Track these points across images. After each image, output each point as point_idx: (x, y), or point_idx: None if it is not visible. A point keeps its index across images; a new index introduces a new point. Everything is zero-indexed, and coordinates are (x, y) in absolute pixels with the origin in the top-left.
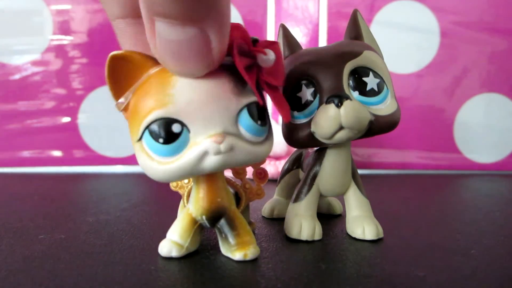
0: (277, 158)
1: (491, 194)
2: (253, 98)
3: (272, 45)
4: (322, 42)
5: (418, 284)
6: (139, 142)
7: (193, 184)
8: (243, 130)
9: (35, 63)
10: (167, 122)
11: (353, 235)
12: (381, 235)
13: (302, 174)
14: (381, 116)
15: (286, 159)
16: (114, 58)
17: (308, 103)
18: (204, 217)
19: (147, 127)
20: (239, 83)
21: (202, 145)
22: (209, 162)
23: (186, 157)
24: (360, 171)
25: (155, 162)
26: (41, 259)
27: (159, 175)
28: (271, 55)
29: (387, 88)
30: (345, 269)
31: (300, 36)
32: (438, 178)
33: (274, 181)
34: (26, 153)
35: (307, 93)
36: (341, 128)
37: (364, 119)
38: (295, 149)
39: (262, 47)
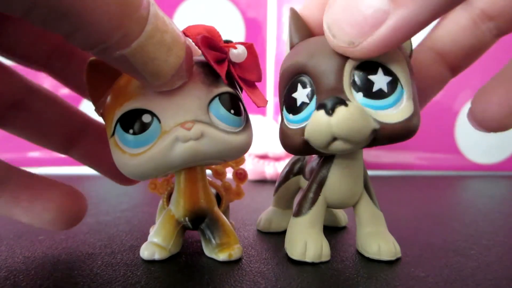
0: (277, 159)
1: (491, 195)
2: (225, 89)
3: (246, 44)
4: None
5: (418, 285)
6: (112, 137)
7: (175, 185)
8: (215, 119)
9: None
10: (137, 113)
11: (367, 255)
12: (399, 255)
13: (304, 182)
14: (389, 124)
15: (286, 160)
16: (92, 64)
17: (303, 106)
18: (186, 218)
19: (118, 120)
20: (211, 75)
21: (172, 132)
22: (179, 150)
23: (156, 146)
24: None
25: (127, 155)
26: (41, 260)
27: (131, 169)
28: (241, 49)
29: (402, 88)
30: (345, 269)
31: None
32: (438, 179)
33: (273, 182)
34: (33, 154)
35: (302, 94)
36: (334, 139)
37: (363, 129)
38: None
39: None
